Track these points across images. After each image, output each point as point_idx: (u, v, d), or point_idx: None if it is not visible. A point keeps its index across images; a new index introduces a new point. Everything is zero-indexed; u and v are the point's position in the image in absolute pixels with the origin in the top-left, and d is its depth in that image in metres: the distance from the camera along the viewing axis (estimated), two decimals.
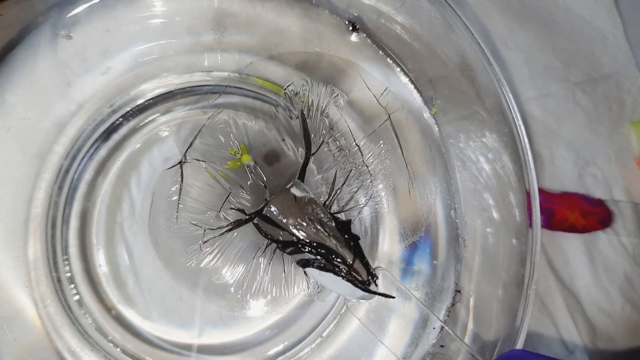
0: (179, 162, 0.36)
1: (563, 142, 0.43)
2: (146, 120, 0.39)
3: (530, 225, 0.36)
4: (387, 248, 0.41)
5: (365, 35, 0.40)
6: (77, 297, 0.38)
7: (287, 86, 0.37)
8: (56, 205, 0.38)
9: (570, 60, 0.44)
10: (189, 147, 0.36)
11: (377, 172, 0.38)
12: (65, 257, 0.38)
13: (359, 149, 0.37)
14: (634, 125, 0.43)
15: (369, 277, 0.34)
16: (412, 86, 0.40)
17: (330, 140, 0.37)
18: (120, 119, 0.39)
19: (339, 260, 0.33)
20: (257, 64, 0.40)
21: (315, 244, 0.33)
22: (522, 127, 0.36)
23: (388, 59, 0.40)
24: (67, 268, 0.38)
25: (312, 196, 0.35)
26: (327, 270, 0.33)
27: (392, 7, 0.38)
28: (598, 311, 0.42)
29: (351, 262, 0.33)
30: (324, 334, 0.40)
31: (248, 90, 0.40)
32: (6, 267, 0.36)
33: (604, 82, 0.44)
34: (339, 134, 0.38)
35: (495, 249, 0.38)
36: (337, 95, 0.37)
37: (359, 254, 0.34)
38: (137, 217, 0.39)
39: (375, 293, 0.34)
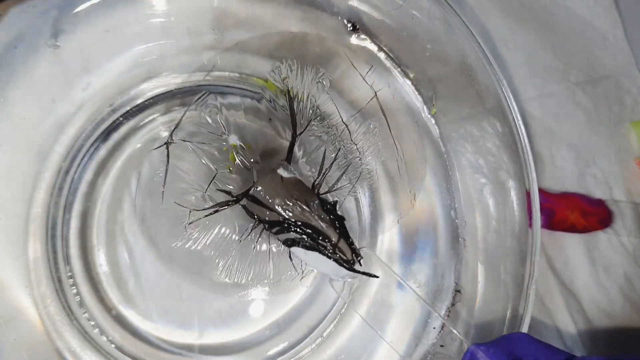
0: (165, 143, 0.36)
1: (563, 142, 0.43)
2: (146, 120, 0.39)
3: (530, 225, 0.36)
4: (380, 226, 0.41)
5: (365, 35, 0.40)
6: (77, 297, 0.38)
7: (274, 69, 0.37)
8: (56, 205, 0.38)
9: (570, 60, 0.44)
10: (175, 128, 0.36)
11: (366, 150, 0.38)
12: (65, 257, 0.38)
13: (347, 127, 0.37)
14: (634, 125, 0.43)
15: (354, 256, 0.34)
16: (412, 86, 0.40)
17: (316, 122, 0.37)
18: (120, 119, 0.39)
19: (324, 239, 0.34)
20: (257, 63, 0.40)
21: (301, 223, 0.34)
22: (522, 127, 0.36)
23: (388, 59, 0.40)
24: (68, 268, 0.38)
25: (299, 177, 0.35)
26: (312, 250, 0.34)
27: (392, 7, 0.38)
28: (598, 311, 0.42)
29: (336, 241, 0.34)
30: (325, 334, 0.40)
31: (248, 90, 0.40)
32: (6, 267, 0.36)
33: (604, 82, 0.44)
34: (324, 112, 0.38)
35: (495, 249, 0.38)
36: (323, 74, 0.37)
37: (343, 233, 0.34)
38: (138, 217, 0.38)
39: (359, 272, 0.34)
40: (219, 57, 0.39)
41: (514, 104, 0.36)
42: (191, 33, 0.39)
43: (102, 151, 0.39)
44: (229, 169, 0.36)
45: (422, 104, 0.40)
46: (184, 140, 0.36)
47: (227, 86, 0.40)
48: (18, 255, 0.36)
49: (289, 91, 0.36)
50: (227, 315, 0.39)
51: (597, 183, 0.43)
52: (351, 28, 0.39)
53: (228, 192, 0.36)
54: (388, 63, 0.40)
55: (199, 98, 0.37)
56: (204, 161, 0.36)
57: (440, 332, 0.38)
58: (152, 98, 0.39)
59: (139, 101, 0.39)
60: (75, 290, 0.38)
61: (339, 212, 0.35)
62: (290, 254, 0.36)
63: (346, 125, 0.37)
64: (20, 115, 0.37)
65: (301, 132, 0.36)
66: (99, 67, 0.38)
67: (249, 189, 0.35)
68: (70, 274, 0.38)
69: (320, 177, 0.36)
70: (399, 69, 0.40)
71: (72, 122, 0.38)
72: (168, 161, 0.35)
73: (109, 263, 0.38)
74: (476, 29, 0.36)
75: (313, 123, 0.37)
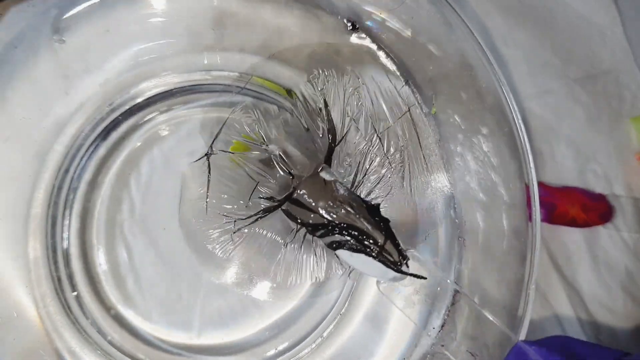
0: (206, 154, 0.35)
1: (563, 138, 0.43)
2: (145, 119, 0.39)
3: (530, 219, 0.35)
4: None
5: (365, 35, 0.40)
6: (77, 297, 0.38)
7: (311, 77, 0.37)
8: (56, 204, 0.38)
9: (569, 57, 0.44)
10: (214, 139, 0.36)
11: (398, 163, 0.37)
12: (65, 256, 0.38)
13: (380, 140, 0.37)
14: (633, 120, 0.43)
15: (400, 258, 0.34)
16: (412, 86, 0.40)
17: (352, 131, 0.37)
18: (120, 118, 0.39)
19: (370, 241, 0.33)
20: (257, 64, 0.40)
21: (346, 225, 0.33)
22: (522, 124, 0.36)
23: (388, 59, 0.40)
24: (67, 268, 0.38)
25: (341, 180, 0.35)
26: (358, 252, 0.33)
27: (392, 6, 0.38)
28: (600, 307, 0.42)
29: (382, 243, 0.33)
30: (325, 334, 0.40)
31: (251, 90, 0.40)
32: (6, 267, 0.36)
33: (603, 78, 0.44)
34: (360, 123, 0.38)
35: (495, 248, 0.38)
36: (359, 86, 0.37)
37: (390, 235, 0.34)
38: (137, 217, 0.39)
39: (407, 274, 0.34)
40: (219, 56, 0.39)
41: (513, 102, 0.36)
42: (191, 33, 0.39)
43: (102, 150, 0.39)
44: (269, 178, 0.36)
45: (422, 103, 0.40)
46: (224, 151, 0.36)
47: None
48: (18, 255, 0.36)
49: (325, 100, 0.36)
50: (227, 315, 0.39)
51: (598, 179, 0.43)
52: (351, 27, 0.39)
53: (270, 198, 0.35)
54: (388, 63, 0.40)
55: (237, 107, 0.37)
56: (244, 170, 0.36)
57: (439, 331, 0.38)
58: (151, 97, 0.39)
59: (139, 100, 0.39)
60: (74, 290, 0.38)
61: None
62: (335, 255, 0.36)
63: (379, 138, 0.37)
64: (20, 115, 0.37)
65: (340, 141, 0.36)
66: (99, 67, 0.38)
67: (292, 193, 0.34)
68: (69, 273, 0.38)
69: (354, 185, 0.36)
70: (399, 69, 0.40)
71: (71, 121, 0.38)
72: (209, 173, 0.35)
73: (109, 262, 0.38)
74: (475, 28, 0.36)
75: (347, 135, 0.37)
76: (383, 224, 0.34)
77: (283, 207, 0.35)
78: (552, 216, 0.42)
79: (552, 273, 0.42)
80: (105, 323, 0.38)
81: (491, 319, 0.36)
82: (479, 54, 0.36)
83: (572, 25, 0.44)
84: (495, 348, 0.36)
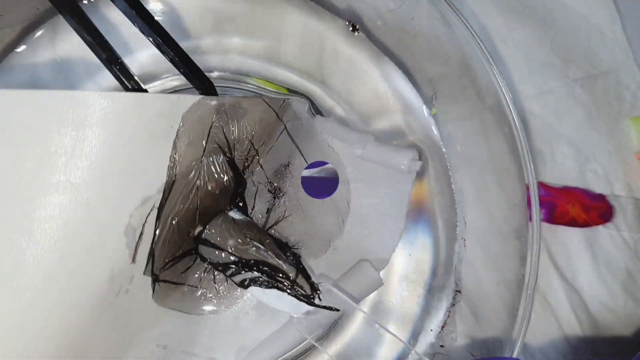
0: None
1: (563, 138, 0.43)
2: None
3: (531, 219, 0.35)
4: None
5: (365, 35, 0.40)
6: None
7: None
8: None
9: (569, 56, 0.44)
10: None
11: (286, 188, 0.38)
12: None
13: (262, 167, 0.37)
14: (634, 120, 0.43)
15: (313, 290, 0.35)
16: (412, 86, 0.40)
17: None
18: None
19: (282, 276, 0.34)
20: (257, 65, 0.40)
21: (256, 261, 0.34)
22: (522, 125, 0.36)
23: (388, 59, 0.40)
24: None
25: (251, 220, 0.36)
26: (271, 287, 0.34)
27: (392, 7, 0.38)
28: (601, 307, 0.42)
29: (294, 277, 0.34)
30: (325, 334, 0.39)
31: (248, 91, 0.40)
32: None
33: (603, 78, 0.44)
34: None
35: (495, 249, 0.38)
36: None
37: (301, 269, 0.35)
38: None
39: (320, 306, 0.35)
40: (220, 58, 0.40)
41: (513, 102, 0.36)
42: (191, 34, 0.39)
43: None
44: None
45: (422, 104, 0.40)
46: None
47: None
48: None
49: (225, 153, 0.36)
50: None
51: (598, 179, 0.43)
52: (351, 29, 0.39)
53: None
54: (388, 63, 0.40)
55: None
56: None
57: (439, 332, 0.38)
58: None
59: None
60: None
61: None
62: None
63: (261, 166, 0.37)
64: None
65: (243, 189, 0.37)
66: (99, 69, 0.38)
67: (201, 233, 0.35)
68: None
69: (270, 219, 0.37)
70: (399, 69, 0.40)
71: None
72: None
73: None
74: (475, 27, 0.36)
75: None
76: (294, 259, 0.35)
77: (198, 251, 0.36)
78: (553, 216, 0.42)
79: (552, 273, 0.42)
80: None
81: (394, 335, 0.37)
82: (479, 54, 0.36)
83: (572, 25, 0.44)
84: (496, 348, 0.36)
